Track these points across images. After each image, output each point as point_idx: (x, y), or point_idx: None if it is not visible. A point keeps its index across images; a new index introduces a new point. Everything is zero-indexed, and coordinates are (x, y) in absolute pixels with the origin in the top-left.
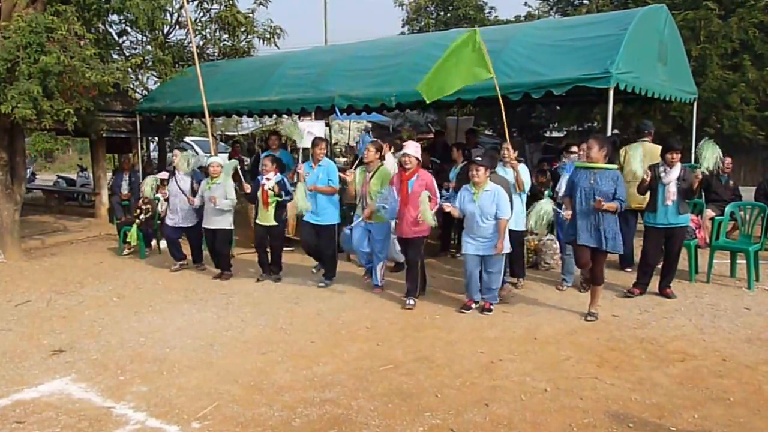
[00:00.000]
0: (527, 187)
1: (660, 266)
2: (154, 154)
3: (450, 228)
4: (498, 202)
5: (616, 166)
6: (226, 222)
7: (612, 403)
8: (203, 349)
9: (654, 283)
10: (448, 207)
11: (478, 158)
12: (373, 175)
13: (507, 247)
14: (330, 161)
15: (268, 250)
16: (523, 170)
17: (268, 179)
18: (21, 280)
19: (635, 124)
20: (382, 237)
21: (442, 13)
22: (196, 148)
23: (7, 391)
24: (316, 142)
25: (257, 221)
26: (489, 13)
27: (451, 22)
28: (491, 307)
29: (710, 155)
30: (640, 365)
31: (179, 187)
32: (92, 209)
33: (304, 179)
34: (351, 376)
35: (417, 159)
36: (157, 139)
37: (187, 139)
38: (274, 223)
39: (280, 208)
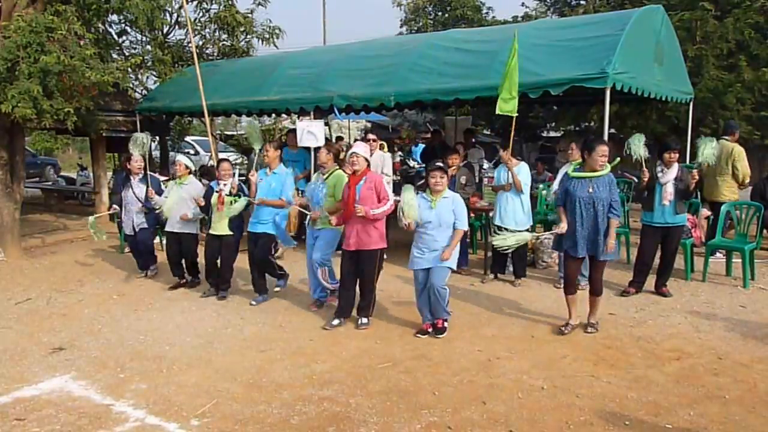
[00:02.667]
0: (526, 188)
1: (656, 265)
2: (155, 153)
3: None
4: (456, 209)
5: (608, 171)
6: (192, 227)
7: (608, 401)
8: (202, 347)
9: (650, 282)
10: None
11: (439, 163)
12: (326, 179)
13: (453, 262)
14: (287, 170)
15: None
16: (522, 170)
17: (225, 185)
18: (21, 279)
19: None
20: (326, 242)
21: (440, 13)
22: (197, 147)
23: (7, 389)
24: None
25: (210, 231)
26: (486, 13)
27: (449, 23)
28: (444, 324)
29: (707, 150)
30: (637, 363)
31: (134, 193)
32: (92, 208)
33: (255, 188)
34: (349, 374)
35: (366, 159)
36: (158, 138)
37: (187, 138)
38: (229, 232)
39: (238, 216)
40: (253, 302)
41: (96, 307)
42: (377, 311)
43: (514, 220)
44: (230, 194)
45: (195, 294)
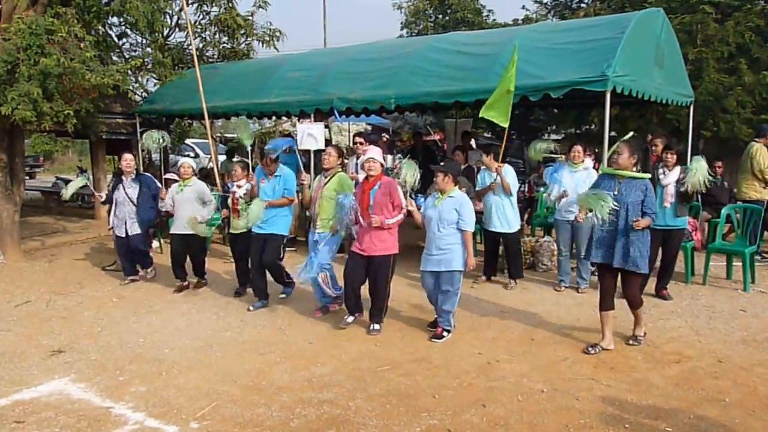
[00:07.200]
0: (515, 189)
1: (657, 268)
2: (155, 156)
3: None
4: (460, 209)
5: (647, 175)
6: (199, 228)
7: (608, 404)
8: (202, 349)
9: (650, 285)
10: (412, 206)
11: (441, 164)
12: (328, 181)
13: (459, 264)
14: (287, 169)
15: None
16: (508, 172)
17: (239, 186)
18: (21, 281)
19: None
20: (328, 245)
21: (440, 16)
22: (197, 149)
23: (7, 392)
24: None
25: (231, 231)
26: (487, 16)
27: (450, 25)
28: (443, 333)
29: (700, 175)
30: (637, 366)
31: (126, 194)
32: (91, 210)
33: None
34: (349, 377)
35: (382, 165)
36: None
37: (187, 141)
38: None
39: None
40: (251, 308)
41: (95, 309)
42: None
43: (507, 223)
44: (242, 198)
45: (195, 297)
